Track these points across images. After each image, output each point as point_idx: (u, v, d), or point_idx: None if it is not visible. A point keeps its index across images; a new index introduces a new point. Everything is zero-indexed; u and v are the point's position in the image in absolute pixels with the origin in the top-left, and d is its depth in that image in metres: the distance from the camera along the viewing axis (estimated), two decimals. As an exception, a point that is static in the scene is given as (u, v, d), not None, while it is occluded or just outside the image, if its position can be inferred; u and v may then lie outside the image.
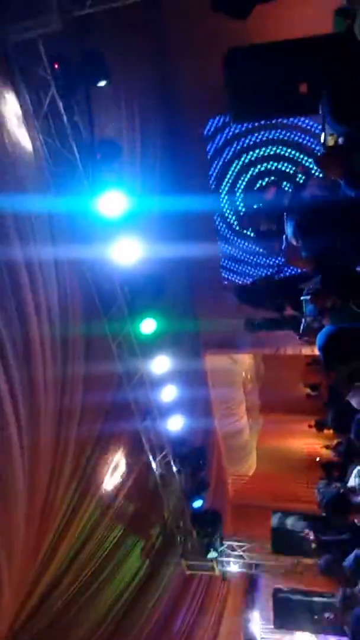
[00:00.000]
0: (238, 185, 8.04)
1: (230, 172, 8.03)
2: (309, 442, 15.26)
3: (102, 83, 4.81)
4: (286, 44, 4.24)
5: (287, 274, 8.02)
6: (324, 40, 3.98)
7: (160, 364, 6.92)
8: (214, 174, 8.09)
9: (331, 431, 13.58)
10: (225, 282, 9.52)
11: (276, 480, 14.29)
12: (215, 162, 8.03)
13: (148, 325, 6.31)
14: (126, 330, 6.33)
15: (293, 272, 7.99)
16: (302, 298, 2.97)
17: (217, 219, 8.59)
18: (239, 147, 7.92)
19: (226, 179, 8.09)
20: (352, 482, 3.82)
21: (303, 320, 3.01)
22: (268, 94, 4.11)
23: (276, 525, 8.43)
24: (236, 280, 9.37)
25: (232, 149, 7.94)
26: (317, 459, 12.81)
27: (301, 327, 3.03)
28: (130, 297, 6.11)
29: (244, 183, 8.01)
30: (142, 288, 6.04)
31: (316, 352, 9.61)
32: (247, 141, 7.84)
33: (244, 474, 14.80)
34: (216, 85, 7.03)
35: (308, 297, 2.90)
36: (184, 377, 8.17)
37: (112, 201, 5.26)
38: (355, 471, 3.91)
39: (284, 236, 2.26)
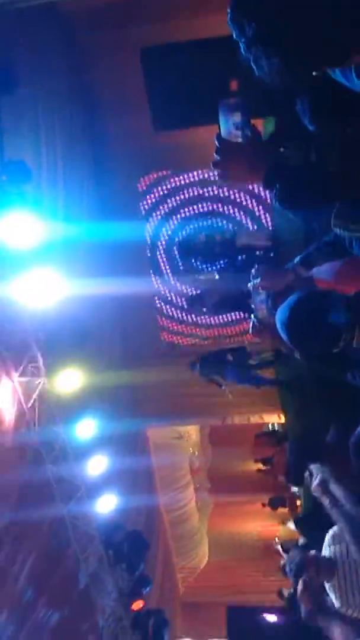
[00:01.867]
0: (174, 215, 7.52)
1: (165, 206, 7.54)
2: (264, 524, 14.13)
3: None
4: (210, 41, 3.83)
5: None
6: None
7: (87, 428, 5.80)
8: (148, 205, 7.56)
9: (286, 509, 12.64)
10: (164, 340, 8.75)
11: (230, 571, 12.94)
12: (149, 195, 7.53)
13: (70, 380, 5.28)
14: (43, 388, 5.26)
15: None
16: (249, 285, 2.18)
17: (152, 250, 7.93)
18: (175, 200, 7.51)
19: (161, 210, 7.57)
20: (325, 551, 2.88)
21: (252, 316, 2.19)
22: (192, 96, 3.60)
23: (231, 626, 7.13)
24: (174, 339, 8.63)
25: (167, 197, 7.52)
26: (276, 540, 11.69)
27: (250, 326, 2.20)
28: (47, 347, 5.12)
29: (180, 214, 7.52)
30: (61, 335, 5.09)
31: (265, 419, 8.75)
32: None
33: (194, 567, 13.25)
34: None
35: (257, 282, 2.12)
36: (117, 444, 7.03)
37: (21, 227, 4.44)
38: (329, 537, 2.97)
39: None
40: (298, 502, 11.34)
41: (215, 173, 1.60)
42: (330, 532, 3.03)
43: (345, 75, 1.23)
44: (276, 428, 13.40)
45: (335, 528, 2.94)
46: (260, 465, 13.34)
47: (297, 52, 1.01)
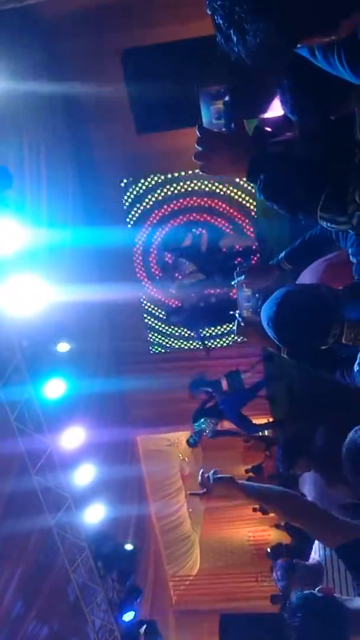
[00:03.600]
0: (158, 221, 7.50)
1: (149, 210, 7.52)
2: (255, 529, 14.06)
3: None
4: (191, 42, 3.80)
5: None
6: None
7: (74, 437, 5.70)
8: (133, 210, 7.55)
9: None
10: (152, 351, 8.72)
11: (223, 578, 12.84)
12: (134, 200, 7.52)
13: (55, 388, 5.19)
14: (27, 397, 5.16)
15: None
16: (233, 282, 2.13)
17: (138, 256, 7.88)
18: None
19: (146, 216, 7.55)
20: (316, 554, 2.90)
21: (237, 315, 2.13)
22: (175, 98, 3.57)
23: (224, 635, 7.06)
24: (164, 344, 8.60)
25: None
26: (268, 550, 11.62)
27: (235, 325, 2.14)
28: (32, 355, 5.03)
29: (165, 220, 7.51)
30: (46, 342, 5.00)
31: (254, 422, 8.70)
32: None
33: (186, 575, 13.12)
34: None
35: (242, 278, 2.07)
36: (106, 452, 6.94)
37: (4, 233, 4.36)
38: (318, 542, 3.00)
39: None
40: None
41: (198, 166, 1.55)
42: None
43: (327, 61, 1.18)
44: (265, 433, 13.37)
45: None
46: (251, 475, 13.27)
47: (288, 14, 0.94)
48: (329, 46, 1.15)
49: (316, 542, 3.01)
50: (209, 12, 1.02)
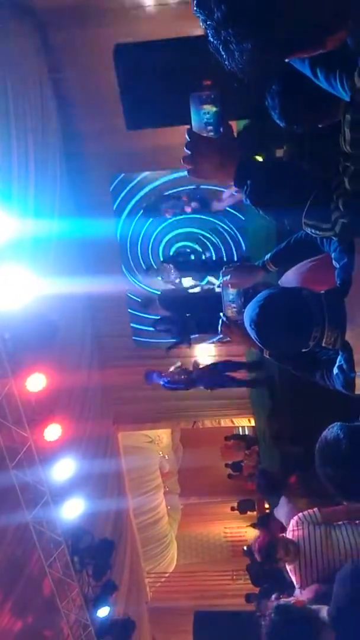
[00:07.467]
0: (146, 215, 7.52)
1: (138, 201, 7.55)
2: (232, 527, 14.16)
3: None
4: (185, 40, 3.79)
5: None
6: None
7: (54, 431, 5.67)
8: (121, 204, 7.55)
9: (255, 512, 12.68)
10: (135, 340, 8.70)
11: (199, 575, 12.87)
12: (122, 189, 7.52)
13: (36, 382, 5.15)
14: (9, 390, 5.12)
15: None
16: (218, 282, 2.14)
17: (125, 249, 7.89)
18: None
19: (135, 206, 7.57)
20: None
21: (221, 315, 2.15)
22: (166, 96, 3.56)
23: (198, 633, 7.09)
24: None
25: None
26: (244, 548, 11.70)
27: (219, 325, 2.16)
28: (13, 348, 4.98)
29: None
30: (28, 336, 4.96)
31: (235, 422, 8.77)
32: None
33: (163, 572, 13.15)
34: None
35: (227, 278, 2.08)
36: (87, 447, 6.91)
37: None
38: (293, 522, 3.15)
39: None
40: (267, 505, 11.38)
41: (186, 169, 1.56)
42: (295, 517, 3.19)
43: (329, 82, 1.20)
44: (246, 432, 13.45)
45: (300, 515, 3.13)
46: (231, 471, 13.34)
47: (270, 34, 0.94)
48: (330, 69, 1.18)
49: (291, 522, 3.18)
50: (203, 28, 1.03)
